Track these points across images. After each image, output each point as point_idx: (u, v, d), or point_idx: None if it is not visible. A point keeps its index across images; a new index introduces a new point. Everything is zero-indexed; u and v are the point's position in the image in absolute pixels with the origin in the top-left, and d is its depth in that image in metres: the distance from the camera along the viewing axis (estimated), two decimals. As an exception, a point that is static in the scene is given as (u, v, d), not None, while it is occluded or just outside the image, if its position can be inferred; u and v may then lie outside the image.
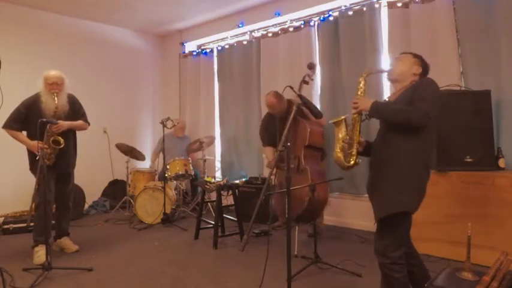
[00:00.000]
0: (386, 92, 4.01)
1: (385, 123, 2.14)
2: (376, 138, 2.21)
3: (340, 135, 2.18)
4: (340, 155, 2.17)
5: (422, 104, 1.95)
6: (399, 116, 1.99)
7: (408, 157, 2.02)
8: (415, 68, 2.15)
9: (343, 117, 2.20)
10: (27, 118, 3.45)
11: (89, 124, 3.80)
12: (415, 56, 2.21)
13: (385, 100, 2.27)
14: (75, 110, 3.66)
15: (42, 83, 3.49)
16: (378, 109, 2.07)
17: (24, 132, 3.55)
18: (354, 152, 2.13)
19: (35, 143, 3.26)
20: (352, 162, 2.13)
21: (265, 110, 4.34)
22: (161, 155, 5.14)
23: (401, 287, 2.05)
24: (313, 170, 3.49)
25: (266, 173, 4.88)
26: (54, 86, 3.46)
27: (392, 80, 2.25)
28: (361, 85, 2.19)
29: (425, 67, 2.18)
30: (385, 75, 2.75)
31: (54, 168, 3.49)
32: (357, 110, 2.13)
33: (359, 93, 2.19)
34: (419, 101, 1.96)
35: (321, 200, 3.33)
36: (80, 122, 3.67)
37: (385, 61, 4.20)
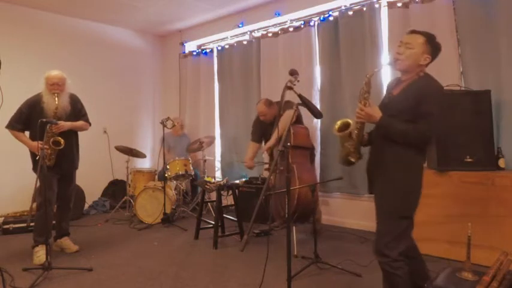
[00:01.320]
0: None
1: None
2: (376, 138, 2.21)
3: (346, 143, 2.21)
4: (345, 157, 2.24)
5: (426, 124, 1.97)
6: (406, 139, 2.02)
7: (408, 160, 2.06)
8: (424, 57, 2.04)
9: (349, 131, 2.18)
10: (29, 118, 3.45)
11: (90, 124, 3.81)
12: (427, 38, 2.05)
13: (388, 96, 2.20)
14: (76, 110, 3.66)
15: (44, 83, 3.49)
16: (386, 129, 2.08)
17: (27, 133, 3.55)
18: (357, 153, 2.21)
19: (35, 143, 3.26)
20: (353, 159, 2.22)
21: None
22: (161, 155, 5.14)
23: (404, 284, 2.05)
24: (300, 169, 3.59)
25: (266, 173, 4.88)
26: (55, 86, 3.46)
27: (400, 70, 2.15)
28: (366, 89, 2.10)
29: (435, 51, 2.07)
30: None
31: (59, 169, 3.50)
32: (362, 121, 2.12)
33: (364, 97, 2.09)
34: (424, 120, 1.97)
35: (311, 200, 3.35)
36: (81, 123, 3.67)
37: (385, 61, 4.21)
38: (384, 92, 2.37)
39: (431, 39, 2.06)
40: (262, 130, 4.33)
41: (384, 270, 2.10)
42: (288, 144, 2.14)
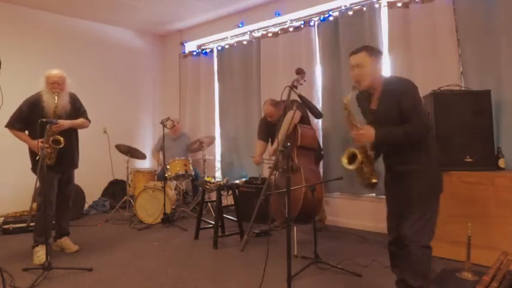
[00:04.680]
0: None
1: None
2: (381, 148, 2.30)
3: (365, 170, 2.27)
4: (367, 182, 2.30)
5: (416, 117, 2.07)
6: (406, 140, 2.10)
7: (424, 155, 2.15)
8: (377, 67, 2.19)
9: (359, 162, 2.23)
10: (29, 117, 3.45)
11: (90, 121, 3.81)
12: (369, 52, 2.20)
13: (369, 111, 2.29)
14: (75, 109, 3.66)
15: (44, 82, 3.49)
16: (384, 141, 2.17)
17: (26, 132, 3.55)
18: (375, 173, 2.29)
19: (36, 142, 3.26)
20: (375, 180, 2.28)
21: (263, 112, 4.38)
22: (161, 155, 5.14)
23: (429, 271, 2.09)
24: (307, 169, 3.58)
25: (266, 173, 4.88)
26: (55, 85, 3.46)
27: (365, 89, 2.26)
28: (349, 113, 2.25)
29: (380, 57, 2.22)
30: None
31: (59, 168, 3.50)
32: (362, 143, 2.22)
33: (353, 123, 2.24)
34: (412, 114, 2.07)
35: (316, 200, 3.36)
36: (81, 120, 3.68)
37: (385, 61, 4.21)
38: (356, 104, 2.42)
39: (369, 49, 2.22)
40: (268, 130, 4.30)
41: (410, 257, 2.09)
42: (288, 144, 2.13)
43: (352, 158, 2.27)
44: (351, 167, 2.25)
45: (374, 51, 2.22)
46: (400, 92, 2.11)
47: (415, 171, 2.14)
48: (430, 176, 2.15)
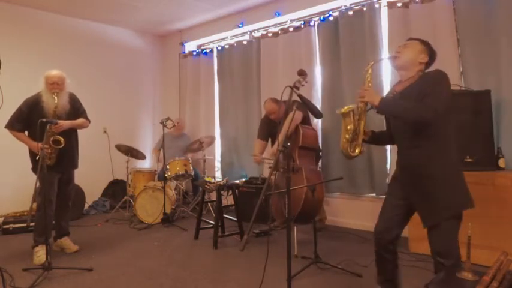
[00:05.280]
0: (387, 85, 4.04)
1: (396, 119, 2.16)
2: (402, 141, 2.17)
3: (348, 127, 2.19)
4: (346, 145, 2.21)
5: (430, 99, 1.94)
6: (410, 115, 2.00)
7: (445, 158, 2.05)
8: (422, 56, 2.12)
9: (351, 106, 2.17)
10: (29, 118, 3.45)
11: (89, 121, 3.81)
12: (423, 43, 2.17)
13: (392, 92, 2.20)
14: (75, 109, 3.66)
15: (43, 82, 3.49)
16: (387, 106, 2.08)
17: (26, 133, 3.55)
18: (359, 141, 2.19)
19: (35, 143, 3.26)
20: (357, 151, 2.20)
21: (265, 111, 4.38)
22: (161, 154, 5.14)
23: None
24: (308, 170, 3.58)
25: (266, 173, 4.88)
26: (54, 85, 3.46)
27: (399, 67, 2.18)
28: (368, 73, 2.18)
29: (432, 55, 2.15)
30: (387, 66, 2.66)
31: (60, 168, 3.51)
32: (364, 100, 2.12)
33: (367, 82, 2.16)
34: (428, 97, 1.95)
35: (317, 200, 3.36)
36: (80, 120, 3.68)
37: (385, 61, 4.20)
38: (385, 90, 2.38)
39: (426, 42, 2.18)
40: (269, 129, 4.29)
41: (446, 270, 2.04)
42: (288, 144, 2.12)
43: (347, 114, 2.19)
44: (340, 111, 2.18)
45: (428, 45, 2.17)
46: (430, 78, 2.04)
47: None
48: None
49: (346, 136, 2.19)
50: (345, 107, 2.21)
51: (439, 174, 2.04)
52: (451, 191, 2.04)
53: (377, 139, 2.34)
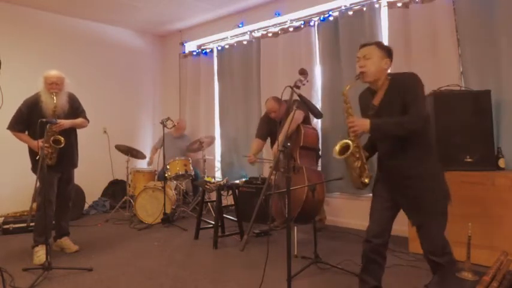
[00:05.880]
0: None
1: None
2: (386, 146, 2.23)
3: (355, 164, 2.20)
4: (357, 180, 2.23)
5: (414, 109, 2.01)
6: (402, 130, 2.05)
7: (428, 158, 2.12)
8: (385, 61, 2.15)
9: (350, 151, 2.16)
10: (29, 118, 3.46)
11: (89, 121, 3.81)
12: (378, 46, 2.18)
13: (372, 107, 2.21)
14: (74, 108, 3.66)
15: (42, 82, 3.50)
16: (380, 129, 2.11)
17: (27, 132, 3.56)
18: (367, 171, 2.22)
19: (37, 143, 3.27)
20: (367, 180, 2.22)
21: (265, 110, 4.37)
22: (161, 154, 5.14)
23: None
24: (309, 169, 3.58)
25: (266, 172, 4.88)
26: (53, 85, 3.47)
27: (369, 82, 2.21)
28: (348, 105, 2.21)
29: (390, 54, 2.18)
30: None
31: (60, 167, 3.51)
32: (357, 133, 2.14)
33: (348, 112, 2.19)
34: (411, 106, 2.02)
35: (317, 200, 3.35)
36: (80, 120, 3.68)
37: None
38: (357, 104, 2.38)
39: (380, 44, 2.20)
40: (269, 128, 4.27)
41: (441, 272, 2.09)
42: (288, 144, 2.12)
43: (345, 149, 2.19)
44: (341, 157, 2.18)
45: (384, 47, 2.18)
46: (405, 84, 2.07)
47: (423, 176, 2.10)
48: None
49: (354, 174, 2.22)
50: (341, 146, 2.21)
51: (423, 175, 2.10)
52: (436, 190, 2.10)
53: (373, 153, 2.37)
